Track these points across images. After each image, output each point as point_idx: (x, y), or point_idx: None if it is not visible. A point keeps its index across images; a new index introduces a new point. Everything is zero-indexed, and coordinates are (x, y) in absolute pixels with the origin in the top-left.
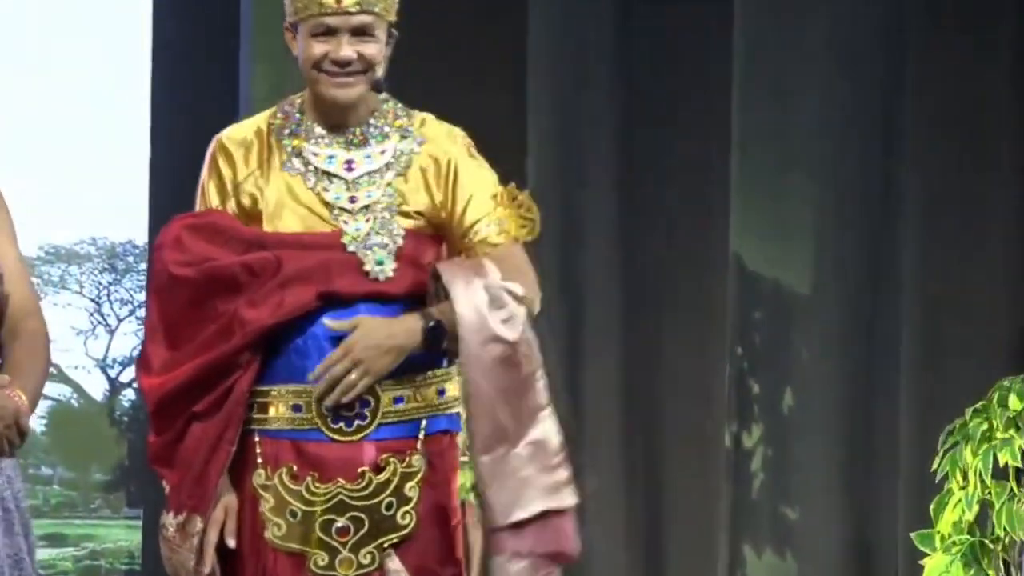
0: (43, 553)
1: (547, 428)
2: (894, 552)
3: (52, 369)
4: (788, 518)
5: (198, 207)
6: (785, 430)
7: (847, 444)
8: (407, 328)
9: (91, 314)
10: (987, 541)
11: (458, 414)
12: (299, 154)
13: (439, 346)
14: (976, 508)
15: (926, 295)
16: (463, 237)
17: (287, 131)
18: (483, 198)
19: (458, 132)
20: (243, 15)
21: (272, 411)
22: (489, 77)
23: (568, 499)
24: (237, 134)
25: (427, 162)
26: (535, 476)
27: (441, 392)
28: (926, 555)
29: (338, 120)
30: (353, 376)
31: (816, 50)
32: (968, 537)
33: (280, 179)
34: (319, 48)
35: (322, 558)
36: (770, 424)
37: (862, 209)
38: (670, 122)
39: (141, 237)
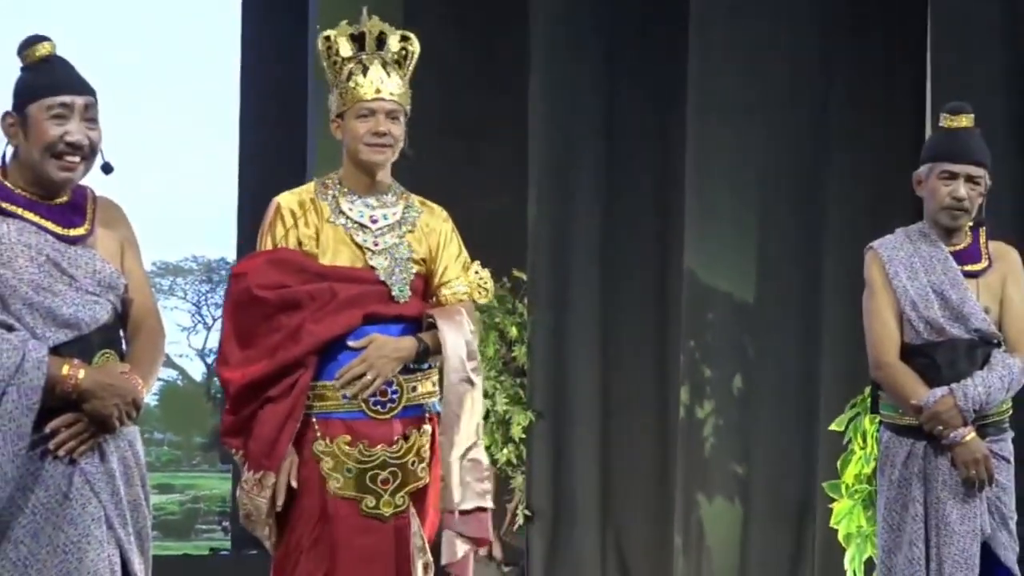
0: (155, 499)
1: (480, 452)
2: (813, 498)
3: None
4: (732, 472)
5: (260, 248)
6: (730, 404)
7: (778, 415)
8: (407, 346)
9: (192, 315)
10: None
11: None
12: (341, 211)
13: (425, 360)
14: (872, 464)
15: (843, 297)
16: (438, 287)
17: (331, 195)
18: (457, 265)
19: (444, 212)
20: (311, 64)
21: (326, 399)
22: (496, 134)
23: (490, 503)
24: (291, 200)
25: (425, 227)
26: (473, 483)
27: (434, 383)
28: (835, 500)
29: (370, 183)
30: (368, 377)
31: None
32: (866, 486)
33: (329, 228)
34: (362, 126)
35: (371, 501)
36: (719, 400)
37: (792, 230)
38: (639, 166)
39: (231, 255)
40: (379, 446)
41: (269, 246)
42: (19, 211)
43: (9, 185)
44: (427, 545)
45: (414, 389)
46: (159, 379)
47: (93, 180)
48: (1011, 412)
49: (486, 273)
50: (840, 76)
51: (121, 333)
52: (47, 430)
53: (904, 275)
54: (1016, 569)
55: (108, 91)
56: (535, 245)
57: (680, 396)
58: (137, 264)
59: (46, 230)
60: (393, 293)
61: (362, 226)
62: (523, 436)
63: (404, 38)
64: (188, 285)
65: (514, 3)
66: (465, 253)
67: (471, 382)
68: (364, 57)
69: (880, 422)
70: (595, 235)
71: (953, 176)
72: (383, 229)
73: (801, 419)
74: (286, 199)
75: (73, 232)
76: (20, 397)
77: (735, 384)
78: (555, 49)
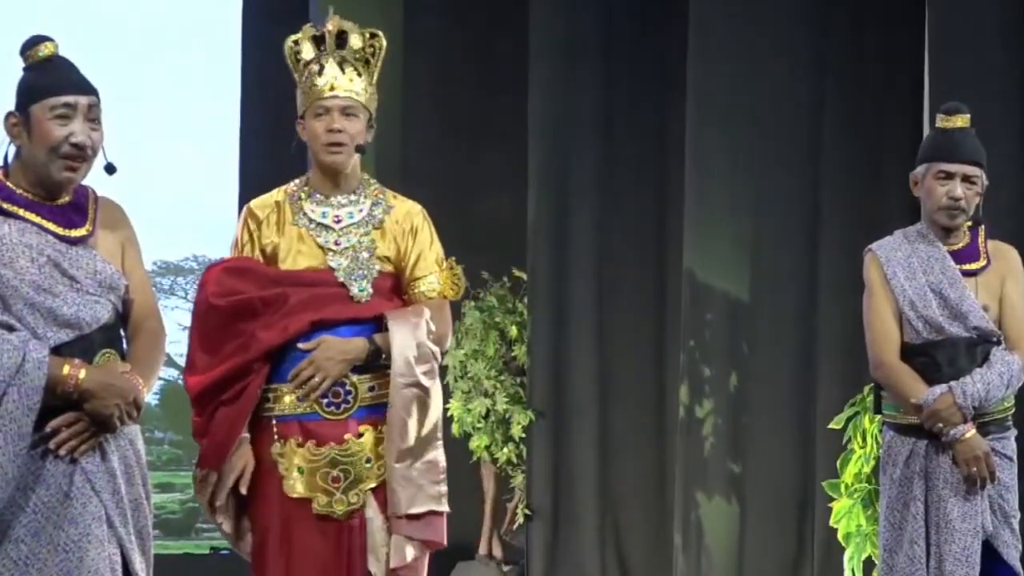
0: (156, 498)
1: (438, 454)
2: (813, 496)
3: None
4: (731, 471)
5: (231, 254)
6: (729, 404)
7: (777, 415)
8: (356, 347)
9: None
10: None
11: None
12: (304, 213)
13: (377, 360)
14: (872, 463)
15: (841, 298)
16: (409, 283)
17: (297, 196)
18: (430, 260)
19: (419, 207)
20: None
21: (283, 401)
22: (496, 142)
23: (444, 507)
24: (261, 203)
25: (395, 223)
26: (427, 486)
27: None
28: (834, 499)
29: (335, 182)
30: (316, 379)
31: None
32: (866, 485)
33: (292, 231)
34: (319, 125)
35: (322, 499)
36: (718, 399)
37: (789, 232)
38: (638, 166)
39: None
40: (328, 444)
41: (235, 252)
42: (20, 212)
43: (11, 185)
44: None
45: (371, 389)
46: (160, 378)
47: (94, 180)
48: (1014, 410)
49: (459, 269)
50: (838, 77)
51: (122, 333)
52: (48, 429)
53: (902, 275)
54: (1019, 567)
55: (108, 91)
56: (535, 245)
57: (680, 396)
58: (138, 264)
59: (47, 231)
60: (352, 293)
61: (325, 227)
62: (523, 435)
63: (371, 35)
64: (188, 285)
65: (514, 3)
66: (439, 249)
67: (420, 386)
68: (323, 57)
69: (883, 422)
70: (595, 235)
71: (949, 176)
72: (347, 228)
73: (800, 418)
74: (255, 204)
75: (74, 233)
76: (21, 397)
77: (735, 384)
78: (555, 49)
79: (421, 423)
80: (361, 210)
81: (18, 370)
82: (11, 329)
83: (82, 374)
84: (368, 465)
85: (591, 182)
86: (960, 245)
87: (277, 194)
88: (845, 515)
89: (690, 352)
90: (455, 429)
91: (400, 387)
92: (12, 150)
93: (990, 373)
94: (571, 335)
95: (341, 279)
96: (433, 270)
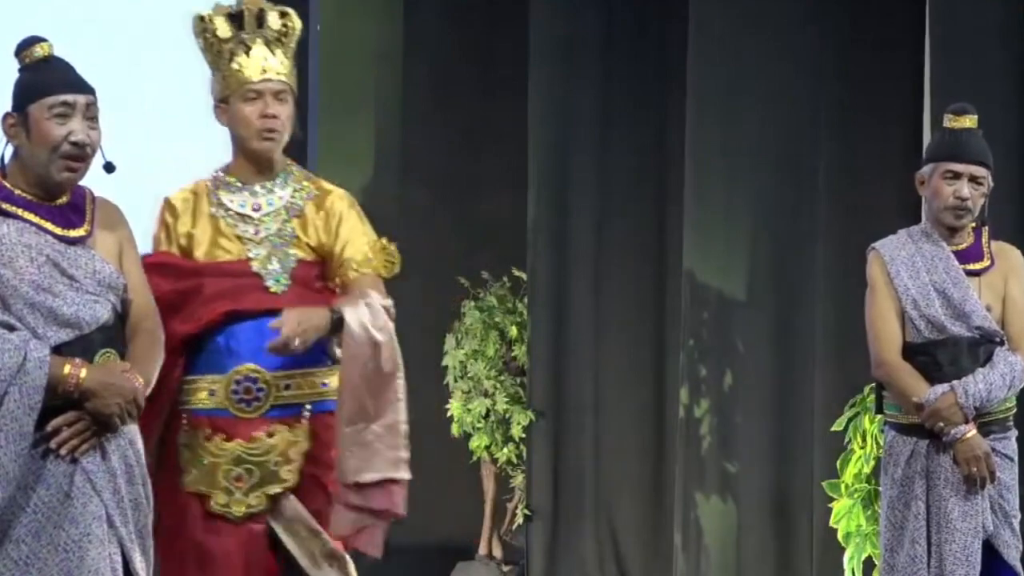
0: None
1: (399, 416)
2: (810, 497)
3: None
4: (729, 471)
5: (152, 249)
6: (727, 403)
7: (775, 414)
8: (322, 315)
9: None
10: (880, 488)
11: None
12: (221, 203)
13: (338, 333)
14: (872, 463)
15: (836, 299)
16: (338, 268)
17: (215, 187)
18: (359, 244)
19: (345, 193)
20: (311, 64)
21: (196, 395)
22: (496, 142)
23: (404, 473)
24: (178, 196)
25: (317, 211)
26: (383, 450)
27: (324, 384)
28: (834, 499)
29: (259, 170)
30: (296, 343)
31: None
32: (866, 485)
33: (211, 221)
34: (250, 110)
35: (221, 498)
36: (715, 399)
37: (789, 232)
38: (638, 167)
39: None
40: (236, 441)
41: (153, 246)
42: (19, 212)
43: (9, 186)
44: (319, 539)
45: (286, 387)
46: None
47: (94, 180)
48: (1015, 410)
49: (392, 247)
50: (838, 77)
51: (122, 332)
52: (48, 429)
53: (905, 274)
54: (1019, 567)
55: (108, 91)
56: (535, 245)
57: (680, 395)
58: (136, 265)
59: (46, 231)
60: (267, 284)
61: (243, 216)
62: (523, 435)
63: (283, 14)
64: None
65: (514, 3)
66: (370, 232)
67: (372, 343)
68: (245, 36)
69: (884, 421)
70: (595, 235)
71: (956, 176)
72: (266, 216)
73: (799, 418)
74: (173, 196)
75: (73, 233)
76: (22, 397)
77: (735, 384)
78: (555, 49)
79: (377, 386)
80: (281, 197)
81: (19, 369)
82: (11, 329)
83: (83, 373)
84: (275, 468)
85: (591, 182)
86: (964, 245)
87: (196, 184)
88: (845, 515)
89: (690, 352)
90: (455, 429)
91: (353, 347)
92: (9, 151)
93: (992, 373)
94: (571, 335)
95: (255, 269)
96: (364, 252)
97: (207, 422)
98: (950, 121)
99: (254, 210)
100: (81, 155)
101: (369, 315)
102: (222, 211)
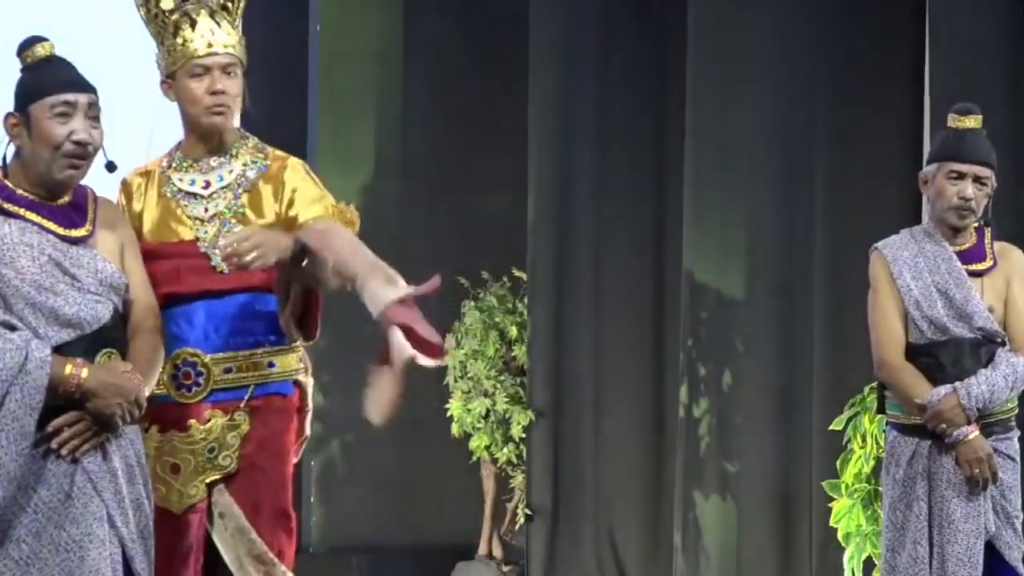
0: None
1: (391, 272)
2: (809, 496)
3: None
4: (729, 471)
5: None
6: (726, 403)
7: (774, 414)
8: (285, 239)
9: None
10: (880, 488)
11: (293, 382)
12: (172, 182)
13: (301, 261)
14: (872, 463)
15: (833, 301)
16: (294, 227)
17: (166, 166)
18: (314, 207)
19: (297, 161)
20: (311, 64)
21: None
22: (496, 142)
23: (404, 288)
24: (133, 177)
25: (268, 184)
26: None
27: (271, 365)
28: (834, 499)
29: (209, 147)
30: (255, 253)
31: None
32: (866, 485)
33: (161, 202)
34: (196, 86)
35: (160, 491)
36: (714, 399)
37: (788, 232)
38: (638, 166)
39: None
40: (170, 431)
41: None
42: (21, 211)
43: (11, 185)
44: (245, 539)
45: (227, 371)
46: None
47: (94, 180)
48: (1017, 411)
49: (352, 209)
50: (837, 80)
51: (123, 332)
52: (49, 429)
53: (908, 274)
54: (1021, 568)
55: (108, 91)
56: (535, 245)
57: (679, 395)
58: (137, 264)
59: (48, 230)
60: (214, 264)
61: (193, 195)
62: (523, 435)
63: None
64: None
65: (514, 3)
66: (328, 196)
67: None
68: (189, 8)
69: (886, 422)
70: (594, 235)
71: (961, 176)
72: (216, 193)
73: (798, 418)
74: (130, 176)
75: (75, 232)
76: (23, 396)
77: (734, 384)
78: (555, 49)
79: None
80: (232, 171)
81: (20, 369)
82: (13, 329)
83: (84, 373)
84: (211, 455)
85: (591, 182)
86: (967, 246)
87: (151, 164)
88: (845, 515)
89: (689, 352)
90: (455, 429)
91: (336, 229)
92: (11, 150)
93: (995, 374)
94: (571, 335)
95: (203, 249)
96: (319, 213)
97: (151, 411)
98: (954, 121)
99: (204, 188)
100: (83, 154)
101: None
102: (173, 190)
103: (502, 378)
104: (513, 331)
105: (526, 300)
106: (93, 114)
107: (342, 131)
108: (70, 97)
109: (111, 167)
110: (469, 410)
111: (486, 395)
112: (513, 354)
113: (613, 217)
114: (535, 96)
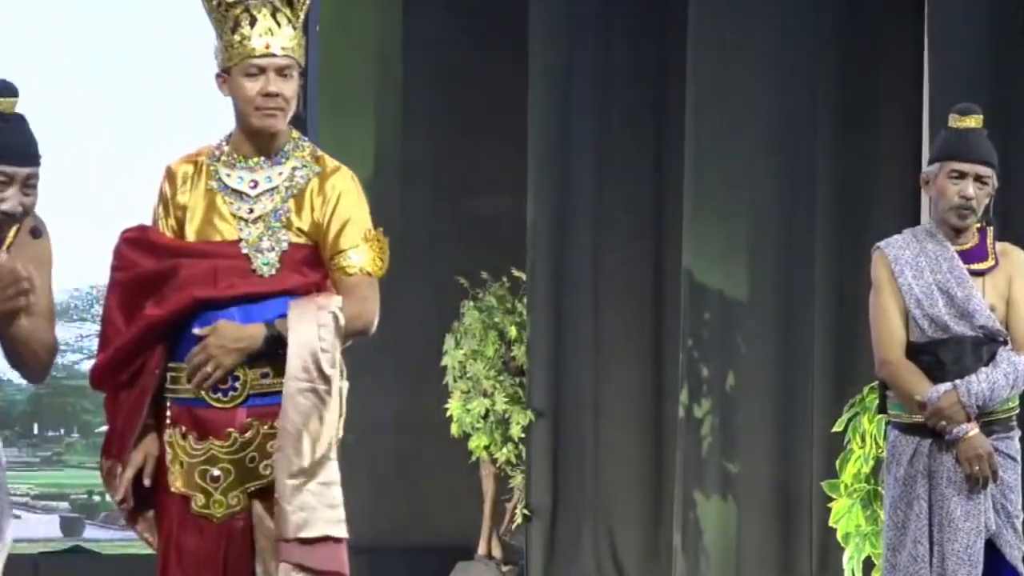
0: None
1: (333, 474)
2: (809, 496)
3: None
4: (729, 471)
5: (151, 219)
6: (727, 403)
7: (774, 414)
8: (251, 335)
9: None
10: (879, 488)
11: None
12: (219, 177)
13: (276, 352)
14: (872, 463)
15: (835, 301)
16: (331, 258)
17: (215, 159)
18: (354, 231)
19: (349, 172)
20: (312, 63)
21: (180, 383)
22: (496, 141)
23: (344, 532)
24: (180, 165)
25: (315, 191)
26: (321, 509)
27: None
28: (833, 499)
29: (259, 147)
30: (208, 368)
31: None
32: (865, 485)
33: (205, 197)
34: (251, 86)
35: (200, 499)
36: (716, 399)
37: (787, 232)
38: (638, 167)
39: None
40: (209, 439)
41: (152, 221)
42: None
43: None
44: (261, 561)
45: (265, 376)
46: None
47: (95, 180)
48: (1018, 410)
49: (385, 241)
50: (836, 79)
51: None
52: None
53: (909, 273)
54: (1021, 567)
55: (108, 91)
56: (535, 245)
57: (679, 395)
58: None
59: None
60: (255, 266)
61: (239, 193)
62: (522, 435)
63: None
64: None
65: (514, 3)
66: (367, 219)
67: (317, 392)
68: (251, 4)
69: (887, 421)
70: (594, 235)
71: (962, 175)
72: (263, 194)
73: (798, 418)
74: (175, 164)
75: None
76: None
77: (733, 383)
78: (555, 49)
79: (317, 439)
80: (281, 174)
81: None
82: None
83: None
84: (252, 465)
85: (591, 182)
86: (969, 245)
87: (198, 153)
88: (845, 515)
89: (689, 352)
90: (455, 429)
91: (293, 392)
92: None
93: (995, 372)
94: (570, 335)
95: (245, 251)
96: (356, 243)
97: (186, 415)
98: (955, 121)
99: (251, 187)
100: (8, 223)
101: (318, 352)
102: (219, 185)
103: (501, 378)
104: (512, 331)
105: (525, 300)
106: (30, 183)
107: (342, 131)
108: (8, 169)
109: (36, 233)
110: (468, 410)
111: (485, 395)
112: (512, 354)
113: (613, 217)
114: (535, 96)
